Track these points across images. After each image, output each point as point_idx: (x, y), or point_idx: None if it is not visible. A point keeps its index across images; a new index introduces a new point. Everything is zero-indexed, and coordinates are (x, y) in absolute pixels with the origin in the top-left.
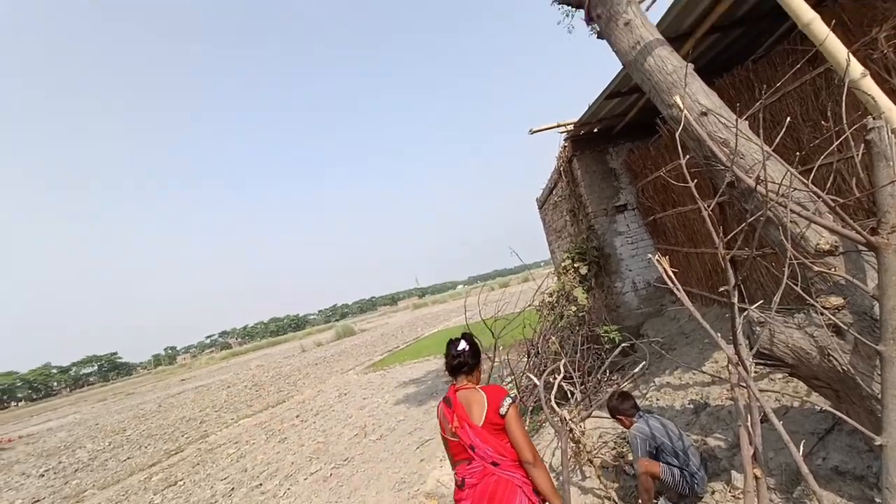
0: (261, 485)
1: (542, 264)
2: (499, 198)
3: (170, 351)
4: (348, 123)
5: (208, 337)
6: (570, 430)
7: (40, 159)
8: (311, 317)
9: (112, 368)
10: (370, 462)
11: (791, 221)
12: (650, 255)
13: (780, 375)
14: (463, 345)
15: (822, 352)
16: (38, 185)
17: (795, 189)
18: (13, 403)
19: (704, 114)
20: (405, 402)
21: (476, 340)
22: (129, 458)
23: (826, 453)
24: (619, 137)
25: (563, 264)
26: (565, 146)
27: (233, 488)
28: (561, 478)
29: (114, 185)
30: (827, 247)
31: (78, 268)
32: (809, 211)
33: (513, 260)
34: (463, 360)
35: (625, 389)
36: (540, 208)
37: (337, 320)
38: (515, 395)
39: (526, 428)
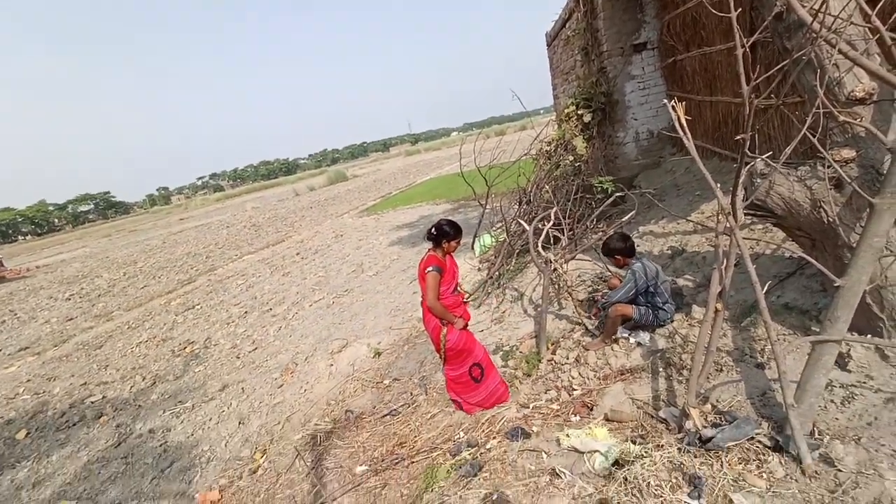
0: (271, 310)
1: (541, 112)
2: (500, 41)
3: (163, 191)
4: None
5: (199, 178)
6: (554, 270)
7: None
8: (302, 161)
9: (108, 207)
10: (368, 293)
11: (832, 64)
12: (664, 101)
13: (759, 226)
14: (433, 229)
15: (815, 204)
16: (28, 24)
17: (853, 23)
18: (20, 237)
19: None
20: (399, 244)
21: (445, 229)
22: (145, 286)
23: (782, 292)
24: None
25: (566, 111)
26: None
27: (246, 312)
28: (539, 308)
29: (104, 25)
30: (861, 94)
31: (67, 106)
32: (858, 52)
33: (510, 107)
34: (429, 237)
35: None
36: (549, 45)
37: (328, 165)
38: (436, 268)
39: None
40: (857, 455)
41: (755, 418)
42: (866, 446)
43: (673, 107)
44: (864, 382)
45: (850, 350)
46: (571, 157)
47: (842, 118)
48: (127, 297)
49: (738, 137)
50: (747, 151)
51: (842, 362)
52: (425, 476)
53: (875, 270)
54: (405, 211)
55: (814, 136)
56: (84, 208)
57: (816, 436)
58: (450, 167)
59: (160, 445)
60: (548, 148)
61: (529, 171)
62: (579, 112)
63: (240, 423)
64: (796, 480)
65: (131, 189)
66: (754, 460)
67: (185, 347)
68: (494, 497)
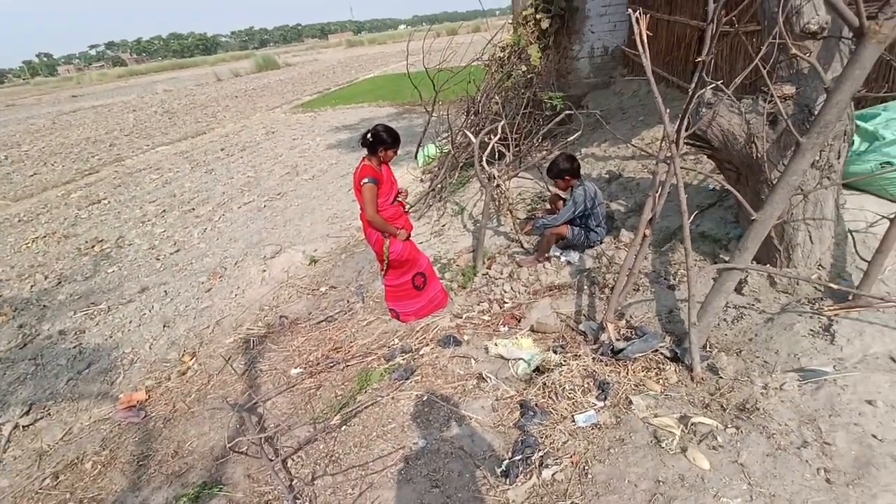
0: (193, 209)
1: (497, 13)
2: None
3: (45, 59)
4: None
5: (92, 47)
6: (497, 186)
7: None
8: (223, 39)
9: None
10: (303, 199)
11: None
12: (628, 11)
13: (691, 157)
14: (368, 135)
15: (749, 138)
16: None
17: None
18: None
19: None
20: (337, 147)
21: (382, 136)
22: (35, 174)
23: (700, 222)
24: None
25: (524, 13)
26: None
27: (164, 210)
28: (479, 223)
29: None
30: (815, 27)
31: None
32: None
33: (465, 2)
34: (364, 143)
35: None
36: None
37: (255, 48)
38: (371, 179)
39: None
40: (737, 365)
41: (661, 333)
42: (745, 357)
43: (637, 19)
44: (753, 305)
45: (747, 277)
46: (524, 68)
47: (793, 51)
48: (13, 184)
49: (699, 59)
50: (703, 76)
51: (738, 287)
52: (360, 379)
53: (784, 207)
54: (345, 111)
55: (764, 68)
56: None
57: (708, 349)
58: (396, 66)
59: (74, 347)
60: (501, 54)
61: (480, 79)
62: (537, 16)
63: (164, 326)
64: (685, 385)
65: (2, 51)
66: (654, 369)
67: (93, 246)
68: (425, 398)
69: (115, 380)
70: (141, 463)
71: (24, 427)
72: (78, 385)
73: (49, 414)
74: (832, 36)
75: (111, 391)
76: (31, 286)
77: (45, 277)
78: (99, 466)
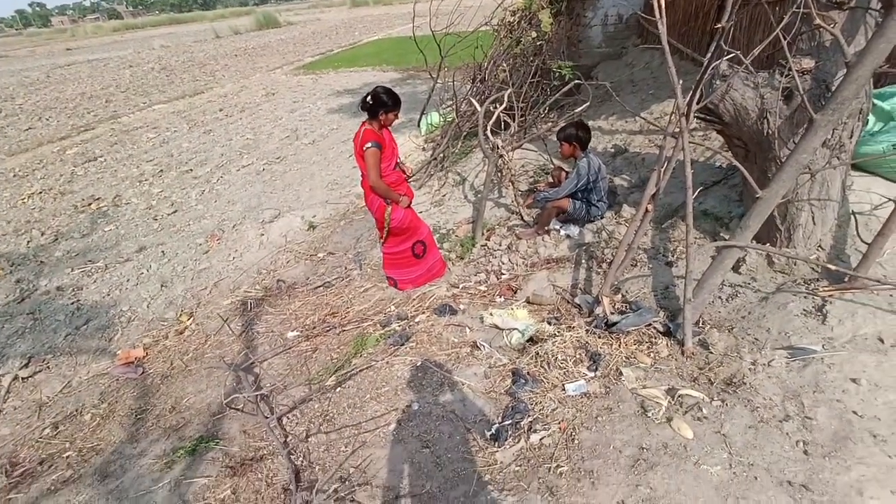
0: (191, 170)
1: None
2: None
3: (39, 8)
4: None
5: None
6: (500, 157)
7: None
8: None
9: None
10: (303, 163)
11: None
12: None
13: (699, 132)
14: (369, 98)
15: (761, 114)
16: None
17: None
18: None
19: None
20: (339, 112)
21: (382, 98)
22: (30, 128)
23: (704, 199)
24: None
25: None
26: None
27: (161, 170)
28: (480, 194)
29: None
30: None
31: None
32: None
33: None
34: (364, 106)
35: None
36: None
37: (256, 4)
38: (374, 143)
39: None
40: (727, 341)
41: (655, 308)
42: (736, 334)
43: None
44: (749, 283)
45: (745, 255)
46: (534, 34)
47: (817, 21)
48: (7, 138)
49: (718, 26)
50: (721, 45)
51: (736, 265)
52: (355, 343)
53: (791, 186)
54: (348, 74)
55: (784, 39)
56: None
57: (700, 325)
58: (401, 28)
59: (72, 303)
60: (511, 19)
61: (487, 46)
62: None
63: (162, 285)
64: (676, 359)
65: None
66: (646, 342)
67: (89, 203)
68: (419, 363)
69: (112, 336)
70: (139, 417)
71: (23, 379)
72: (76, 340)
73: (48, 367)
74: (859, 7)
75: (109, 347)
76: (28, 242)
77: (42, 234)
78: (98, 418)
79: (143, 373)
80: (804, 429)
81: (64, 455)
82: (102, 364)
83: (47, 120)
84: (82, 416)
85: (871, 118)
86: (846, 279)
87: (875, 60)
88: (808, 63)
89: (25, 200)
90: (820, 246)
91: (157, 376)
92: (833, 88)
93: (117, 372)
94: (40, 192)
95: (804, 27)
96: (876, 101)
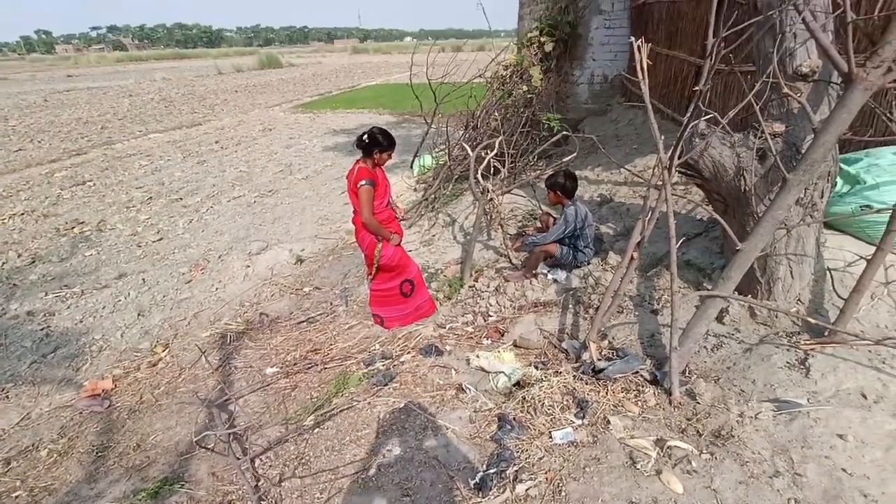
0: (181, 199)
1: (501, 34)
2: None
3: (44, 36)
4: None
5: (94, 29)
6: (490, 200)
7: None
8: (228, 34)
9: None
10: (295, 197)
11: (791, 33)
12: (630, 40)
13: (681, 186)
14: (365, 136)
15: (738, 171)
16: None
17: None
18: None
19: None
20: (334, 150)
21: (378, 138)
22: (20, 149)
23: (686, 250)
24: None
25: (528, 35)
26: None
27: (151, 197)
28: (469, 236)
29: None
30: (807, 70)
31: None
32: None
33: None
34: (359, 144)
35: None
36: None
37: (260, 45)
38: (368, 181)
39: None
40: (714, 392)
41: (642, 356)
42: (722, 385)
43: (639, 47)
44: (733, 334)
45: (728, 306)
46: (525, 88)
47: (785, 90)
48: None
49: (697, 88)
50: (699, 106)
51: (719, 316)
52: (337, 382)
53: (768, 240)
54: (345, 115)
55: (756, 105)
56: None
57: (687, 374)
58: (399, 76)
59: (41, 329)
60: (504, 73)
61: (481, 96)
62: (542, 39)
63: (139, 314)
64: (663, 409)
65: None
66: (633, 390)
67: (72, 227)
68: (402, 405)
69: (81, 366)
70: (100, 454)
71: None
72: (41, 369)
73: (6, 397)
74: (822, 80)
75: (76, 378)
76: (3, 263)
77: (19, 255)
78: (55, 455)
79: (109, 406)
80: (795, 486)
81: (13, 495)
82: (66, 395)
83: (39, 142)
84: (38, 452)
85: (840, 181)
86: (826, 333)
87: (839, 128)
88: (779, 127)
89: (6, 221)
90: (799, 299)
91: (125, 410)
92: (803, 151)
93: (82, 404)
94: (22, 214)
95: (774, 95)
96: (842, 166)
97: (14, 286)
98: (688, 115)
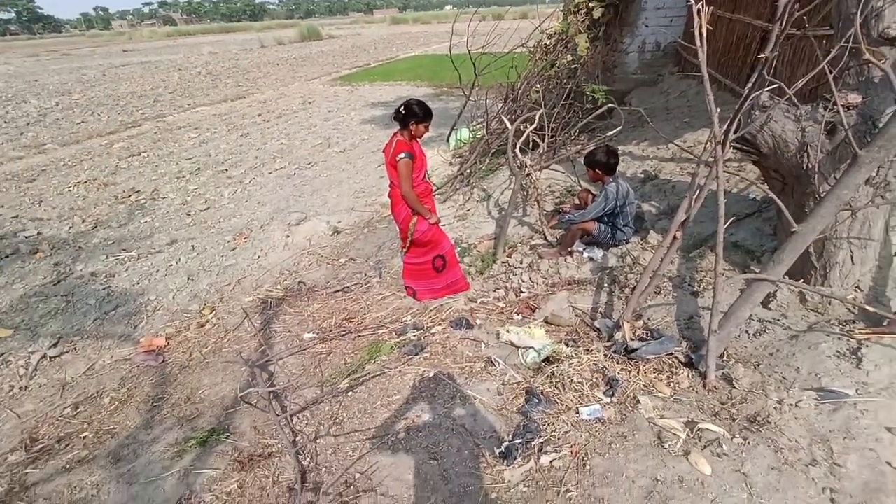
0: (226, 171)
1: (546, 1)
2: None
3: (101, 13)
4: None
5: (146, 4)
6: (528, 175)
7: None
8: (271, 6)
9: (34, 20)
10: (333, 170)
11: None
12: (690, 2)
13: (734, 163)
14: (401, 108)
15: (802, 147)
16: None
17: None
18: None
19: None
20: (371, 123)
21: (414, 109)
22: (83, 122)
23: (735, 231)
24: None
25: (576, 1)
26: None
27: (199, 168)
28: (504, 211)
29: None
30: (895, 33)
31: None
32: None
33: None
34: (396, 116)
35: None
36: None
37: (301, 18)
38: (407, 154)
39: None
40: (753, 377)
41: (678, 338)
42: (762, 371)
43: (698, 11)
44: (778, 320)
45: (776, 291)
46: (570, 57)
47: (866, 56)
48: (61, 130)
49: (762, 55)
50: (763, 75)
51: (765, 300)
52: (370, 349)
53: (829, 222)
54: (382, 87)
55: (830, 73)
56: (3, 16)
57: (724, 358)
58: (437, 46)
59: (103, 289)
60: (548, 41)
61: (522, 67)
62: (590, 4)
63: (189, 278)
64: (696, 392)
65: (61, 2)
66: (666, 372)
67: (129, 195)
68: (432, 374)
69: (138, 324)
70: (155, 404)
71: (50, 358)
72: (103, 325)
73: (75, 349)
74: None
75: (133, 334)
76: (70, 227)
77: (83, 221)
78: (116, 402)
79: (162, 361)
80: (832, 476)
81: (81, 435)
82: (126, 350)
83: (99, 115)
84: (102, 399)
85: None
86: (885, 322)
87: None
88: (854, 98)
89: (71, 189)
90: (858, 286)
91: (176, 366)
92: (880, 125)
93: (139, 359)
94: (85, 182)
95: (852, 62)
96: None
97: (79, 248)
98: (749, 85)
